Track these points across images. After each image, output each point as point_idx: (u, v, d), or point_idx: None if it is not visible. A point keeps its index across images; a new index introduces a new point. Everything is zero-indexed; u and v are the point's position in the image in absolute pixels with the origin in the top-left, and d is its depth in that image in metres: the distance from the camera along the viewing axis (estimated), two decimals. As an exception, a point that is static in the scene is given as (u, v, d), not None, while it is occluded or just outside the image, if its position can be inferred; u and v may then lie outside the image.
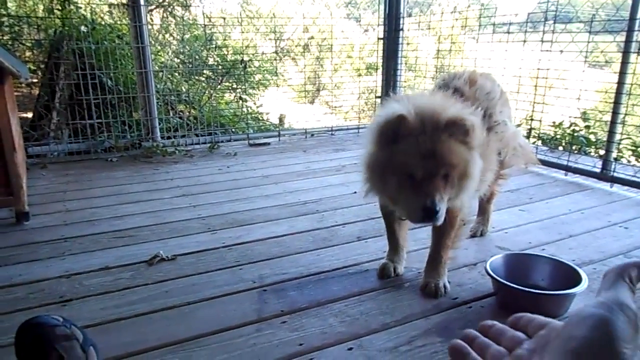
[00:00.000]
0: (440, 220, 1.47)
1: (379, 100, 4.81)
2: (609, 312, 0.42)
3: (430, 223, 1.50)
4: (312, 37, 5.56)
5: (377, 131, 1.50)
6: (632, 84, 2.94)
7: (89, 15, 4.43)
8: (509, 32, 3.76)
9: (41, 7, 4.49)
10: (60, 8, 4.16)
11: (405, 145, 1.44)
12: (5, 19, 4.30)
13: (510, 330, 0.55)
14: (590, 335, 0.41)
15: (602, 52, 3.38)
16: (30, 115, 4.34)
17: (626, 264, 0.47)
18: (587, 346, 0.41)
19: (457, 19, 4.55)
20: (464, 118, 1.45)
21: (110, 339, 1.47)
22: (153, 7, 5.49)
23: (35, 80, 4.58)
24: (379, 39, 4.76)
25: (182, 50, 5.46)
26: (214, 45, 5.27)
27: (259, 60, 5.67)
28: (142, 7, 3.75)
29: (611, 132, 3.03)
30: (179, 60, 5.48)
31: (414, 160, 1.42)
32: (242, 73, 4.98)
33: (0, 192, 2.33)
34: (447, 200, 1.48)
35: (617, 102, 2.97)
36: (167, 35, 5.60)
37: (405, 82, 4.83)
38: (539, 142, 3.87)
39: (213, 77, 5.45)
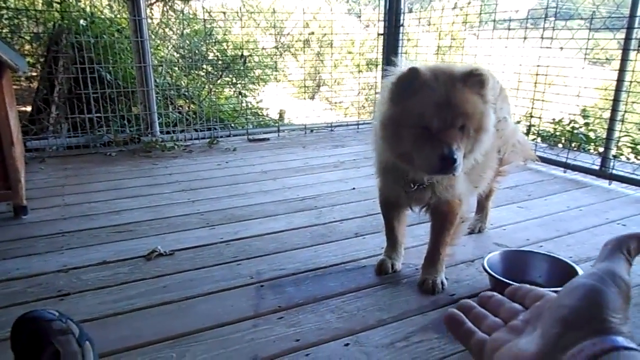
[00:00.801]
0: (458, 171, 1.45)
1: (379, 95, 4.80)
2: (600, 282, 0.42)
3: (448, 173, 1.47)
4: (312, 33, 5.54)
5: (391, 87, 1.50)
6: (631, 82, 2.93)
7: (88, 9, 4.42)
8: (509, 29, 3.75)
9: (40, 0, 4.46)
10: (59, 1, 4.15)
11: (420, 96, 1.43)
12: (4, 11, 4.29)
13: (508, 301, 0.56)
14: (580, 305, 0.41)
15: (602, 49, 3.38)
16: (29, 109, 4.33)
17: (625, 235, 0.47)
18: (576, 314, 0.41)
19: (457, 15, 4.54)
20: (479, 69, 1.46)
21: (107, 333, 1.47)
22: (153, 0, 5.47)
23: (34, 74, 4.57)
24: (379, 34, 4.74)
25: (181, 45, 5.44)
26: (213, 40, 5.25)
27: (259, 56, 5.65)
28: (141, 0, 3.74)
29: (610, 130, 3.03)
30: (178, 55, 5.46)
31: (430, 111, 1.41)
32: (242, 68, 4.97)
33: (-1, 186, 2.33)
34: (463, 153, 1.47)
35: (616, 100, 2.96)
36: (166, 30, 5.57)
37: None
38: (539, 139, 3.87)
39: (213, 72, 5.43)
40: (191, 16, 5.52)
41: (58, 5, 4.15)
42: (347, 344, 1.44)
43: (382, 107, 1.58)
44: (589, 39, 3.18)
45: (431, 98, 1.42)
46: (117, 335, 1.47)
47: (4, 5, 4.31)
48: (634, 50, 2.86)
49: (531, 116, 3.62)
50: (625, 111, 2.98)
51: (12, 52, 2.51)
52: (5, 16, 4.35)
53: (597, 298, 0.41)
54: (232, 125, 4.59)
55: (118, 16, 4.69)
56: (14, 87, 3.32)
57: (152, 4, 5.47)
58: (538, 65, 3.41)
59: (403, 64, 1.57)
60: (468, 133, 1.46)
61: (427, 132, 1.43)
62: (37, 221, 2.38)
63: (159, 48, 5.20)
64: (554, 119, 3.90)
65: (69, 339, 1.08)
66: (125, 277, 1.83)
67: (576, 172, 3.18)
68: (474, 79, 1.45)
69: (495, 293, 0.59)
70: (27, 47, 4.61)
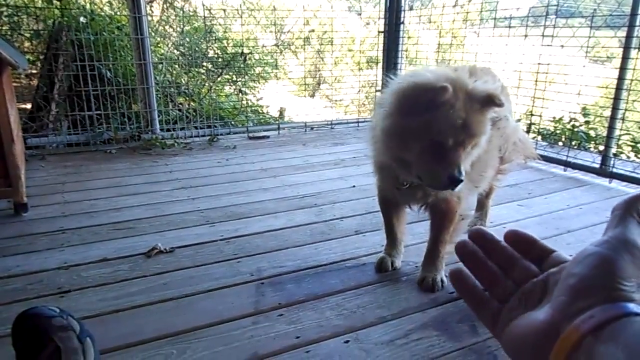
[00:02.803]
0: (459, 188, 1.48)
1: (379, 94, 4.80)
2: (612, 250, 0.41)
3: (452, 189, 1.50)
4: (312, 30, 5.54)
5: (406, 98, 1.44)
6: (632, 80, 2.93)
7: (88, 6, 4.41)
8: (510, 27, 3.74)
9: (40, -3, 4.46)
10: (59, -2, 4.14)
11: (441, 113, 1.40)
12: (4, 9, 4.28)
13: (520, 258, 0.51)
14: (590, 274, 0.40)
15: (603, 47, 3.37)
16: (29, 106, 4.32)
17: (633, 196, 0.44)
18: (585, 283, 0.40)
19: (458, 13, 4.53)
20: (498, 96, 1.44)
21: (108, 330, 1.47)
22: (153, -2, 5.46)
23: (34, 71, 4.56)
24: (379, 32, 4.74)
25: (181, 42, 5.44)
26: (214, 38, 5.24)
27: (259, 53, 5.64)
28: (141, -2, 3.73)
29: (611, 128, 3.03)
30: (178, 52, 5.46)
31: (450, 130, 1.41)
32: (242, 66, 4.96)
33: (-1, 183, 2.33)
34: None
35: (617, 98, 2.96)
36: (166, 27, 5.57)
37: (405, 76, 4.81)
38: (539, 137, 3.87)
39: (213, 69, 5.43)
40: (191, 13, 5.51)
41: (58, 3, 4.15)
42: (347, 341, 1.45)
43: (387, 114, 1.51)
44: (590, 37, 3.18)
45: (452, 117, 1.40)
46: (118, 332, 1.48)
47: (3, 2, 4.30)
48: (635, 48, 2.85)
49: (532, 114, 3.62)
50: (626, 109, 2.98)
51: (12, 50, 2.50)
52: (5, 13, 4.34)
53: (608, 267, 0.40)
54: (232, 122, 4.59)
55: (118, 13, 4.69)
56: (14, 84, 3.32)
57: (152, 1, 5.46)
58: (539, 64, 3.40)
59: (419, 72, 1.56)
60: (468, 150, 1.48)
61: (439, 148, 1.43)
62: (37, 218, 2.38)
63: (159, 45, 5.19)
64: (554, 117, 3.90)
65: (70, 335, 1.08)
66: (125, 274, 1.83)
67: (576, 171, 3.18)
68: (493, 105, 1.44)
69: (501, 240, 0.54)
70: (27, 44, 4.60)
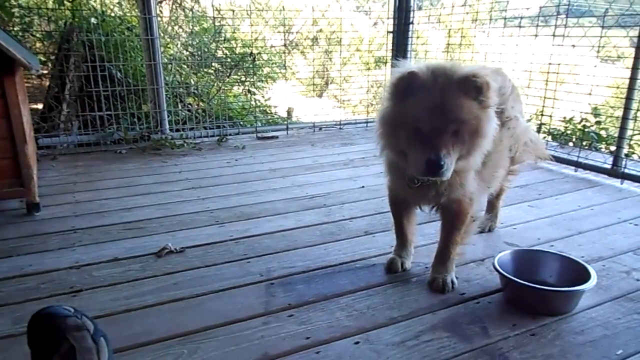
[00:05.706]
0: (447, 176, 1.48)
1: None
2: None
3: (436, 177, 1.49)
4: (320, 30, 5.53)
5: (390, 87, 1.53)
6: (644, 80, 2.90)
7: (98, 7, 4.45)
8: (520, 26, 3.72)
9: (51, -2, 4.50)
10: None
11: (415, 99, 1.46)
12: (16, 9, 4.32)
13: None
14: None
15: (614, 47, 3.34)
16: (40, 106, 4.36)
17: None
18: None
19: (467, 13, 4.51)
20: (476, 75, 1.45)
21: (119, 329, 1.48)
22: (162, -2, 5.49)
23: (45, 72, 4.60)
24: (388, 32, 4.73)
25: (191, 43, 5.46)
26: (223, 38, 5.26)
27: (267, 53, 5.65)
28: (151, -1, 3.75)
29: (622, 128, 3.00)
30: (187, 53, 5.48)
31: (422, 114, 1.44)
32: (251, 66, 4.97)
33: (12, 183, 2.36)
34: (456, 157, 1.49)
35: (628, 98, 2.93)
36: (176, 28, 5.59)
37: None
38: (549, 138, 3.84)
39: (222, 70, 5.44)
40: (200, 14, 5.53)
41: (69, 4, 4.18)
42: (357, 342, 1.45)
43: (382, 104, 1.61)
44: (601, 37, 3.15)
45: (425, 102, 1.44)
46: (129, 331, 1.49)
47: (15, 3, 4.34)
48: (647, 47, 2.82)
49: (542, 114, 3.59)
50: (638, 109, 2.95)
51: (25, 51, 2.52)
52: (17, 14, 4.38)
53: None
54: (241, 123, 4.60)
55: (128, 14, 4.72)
56: (26, 84, 3.35)
57: (161, 2, 5.49)
58: (549, 63, 3.38)
59: (407, 63, 1.59)
60: (462, 138, 1.47)
61: (419, 134, 1.46)
62: (49, 218, 2.41)
63: (168, 46, 5.22)
64: (565, 117, 3.87)
65: (84, 335, 1.09)
66: (136, 274, 1.85)
67: (587, 171, 3.16)
68: (471, 84, 1.45)
69: None
70: (38, 45, 4.64)
